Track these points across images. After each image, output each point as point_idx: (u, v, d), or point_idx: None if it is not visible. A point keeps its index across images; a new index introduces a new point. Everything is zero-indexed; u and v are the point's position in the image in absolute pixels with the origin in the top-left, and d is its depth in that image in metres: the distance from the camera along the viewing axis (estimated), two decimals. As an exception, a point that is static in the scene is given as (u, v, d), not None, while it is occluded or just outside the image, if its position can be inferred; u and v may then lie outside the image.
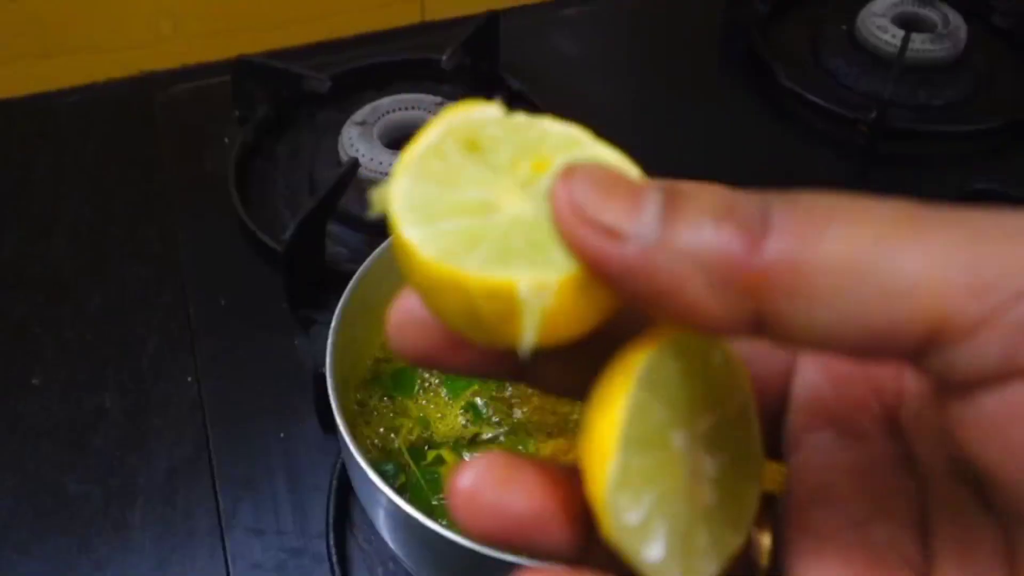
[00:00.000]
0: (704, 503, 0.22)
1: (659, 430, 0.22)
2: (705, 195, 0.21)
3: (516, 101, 0.92)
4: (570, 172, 0.21)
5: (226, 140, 0.89)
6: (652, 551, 0.21)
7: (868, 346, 0.20)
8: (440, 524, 0.51)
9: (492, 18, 0.92)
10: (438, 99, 0.86)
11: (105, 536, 0.64)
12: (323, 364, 0.53)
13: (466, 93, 0.92)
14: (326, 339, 0.53)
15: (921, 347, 0.19)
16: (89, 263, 0.81)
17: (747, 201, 0.21)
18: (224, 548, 0.63)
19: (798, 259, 0.20)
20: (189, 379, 0.72)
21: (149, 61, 0.98)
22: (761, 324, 0.20)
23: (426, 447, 0.56)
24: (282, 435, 0.68)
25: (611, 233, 0.21)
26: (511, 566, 0.46)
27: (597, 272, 0.21)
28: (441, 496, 0.54)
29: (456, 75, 0.91)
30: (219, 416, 0.70)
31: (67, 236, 0.83)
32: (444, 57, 0.89)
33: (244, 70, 0.89)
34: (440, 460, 0.55)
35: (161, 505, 0.65)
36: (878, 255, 0.19)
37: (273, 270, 0.77)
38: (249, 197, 0.84)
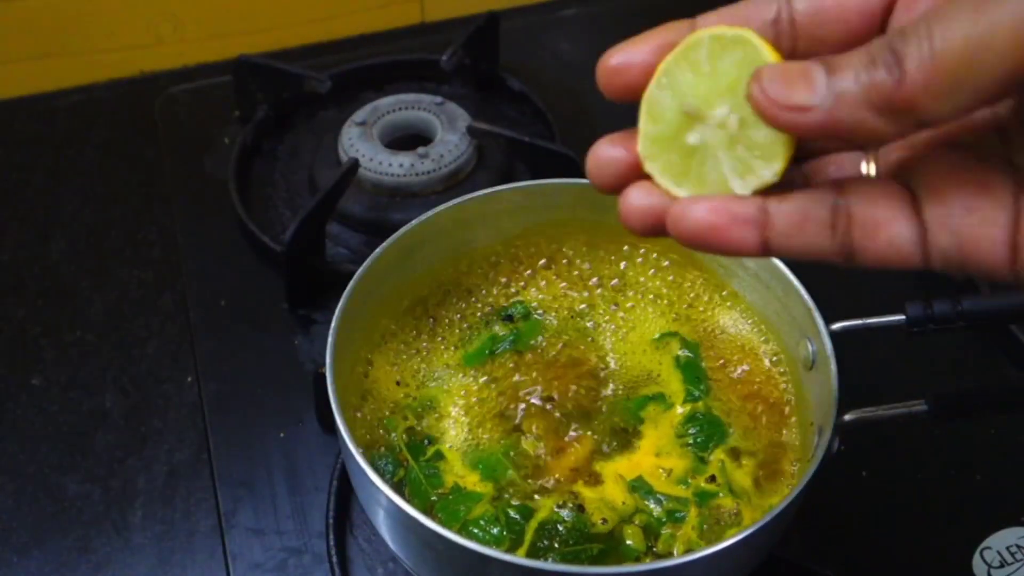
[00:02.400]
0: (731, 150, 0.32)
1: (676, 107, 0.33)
2: (849, 57, 0.29)
3: (516, 101, 0.92)
4: (758, 76, 0.30)
5: (226, 140, 0.89)
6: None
7: (1002, 91, 0.27)
8: (439, 521, 0.51)
9: (492, 18, 0.92)
10: (438, 99, 0.86)
11: (105, 536, 0.64)
12: (323, 364, 0.52)
13: (466, 93, 0.92)
14: (326, 339, 0.53)
15: None
16: (89, 264, 0.81)
17: (878, 47, 0.28)
18: (224, 548, 0.63)
19: (930, 66, 0.27)
20: (189, 380, 0.72)
21: (149, 62, 0.98)
22: (923, 124, 0.28)
23: (425, 442, 0.56)
24: (282, 435, 0.68)
25: (802, 108, 0.29)
26: (511, 566, 0.46)
27: (799, 135, 0.30)
28: (440, 491, 0.54)
29: (456, 75, 0.91)
30: (219, 416, 0.70)
31: (67, 237, 0.83)
32: (444, 57, 0.89)
33: (244, 70, 0.89)
34: (439, 455, 0.55)
35: (161, 505, 0.65)
36: (977, 25, 0.26)
37: (273, 270, 0.77)
38: (249, 197, 0.84)
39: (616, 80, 0.35)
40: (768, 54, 0.31)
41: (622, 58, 0.34)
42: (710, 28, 0.33)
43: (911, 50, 0.27)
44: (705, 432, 0.56)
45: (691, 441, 0.56)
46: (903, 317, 0.55)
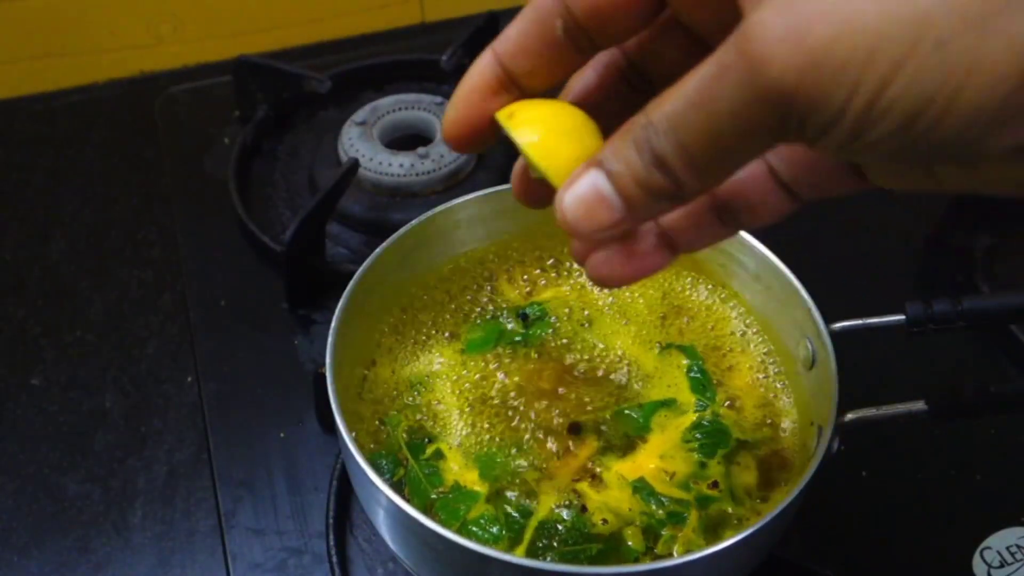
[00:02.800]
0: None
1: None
2: (621, 161, 0.30)
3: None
4: (561, 213, 0.32)
5: (226, 140, 0.89)
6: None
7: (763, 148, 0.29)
8: (439, 520, 0.51)
9: (492, 18, 0.92)
10: (438, 99, 0.86)
11: (105, 536, 0.64)
12: (323, 364, 0.52)
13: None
14: (326, 339, 0.53)
15: None
16: (89, 264, 0.81)
17: (640, 142, 0.29)
18: (224, 548, 0.63)
19: (690, 164, 0.29)
20: (189, 380, 0.72)
21: (149, 61, 0.98)
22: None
23: (425, 440, 0.56)
24: (282, 435, 0.68)
25: (612, 226, 0.31)
26: (511, 566, 0.46)
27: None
28: (440, 489, 0.54)
29: (456, 75, 0.91)
30: (219, 416, 0.70)
31: (67, 237, 0.83)
32: (444, 57, 0.89)
33: (244, 70, 0.89)
34: (439, 454, 0.55)
35: (161, 505, 0.65)
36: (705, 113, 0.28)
37: (273, 270, 0.77)
38: (249, 197, 0.84)
39: (466, 144, 0.36)
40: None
41: (456, 129, 0.36)
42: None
43: (667, 150, 0.29)
44: (712, 439, 0.56)
45: (697, 447, 0.55)
46: (903, 317, 0.55)
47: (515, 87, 0.34)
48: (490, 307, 0.63)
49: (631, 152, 0.30)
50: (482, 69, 0.34)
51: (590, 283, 0.64)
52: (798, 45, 0.25)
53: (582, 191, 0.31)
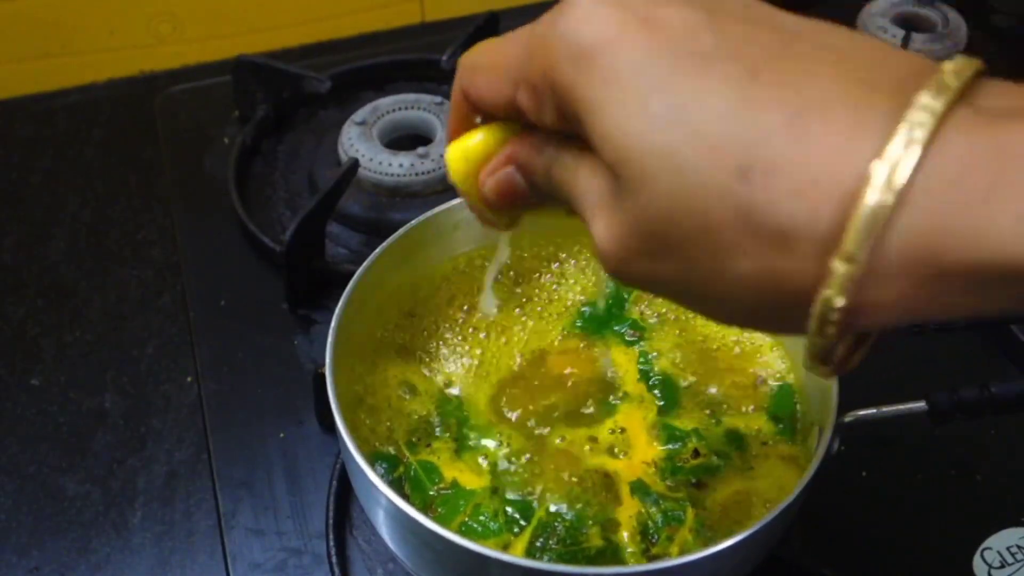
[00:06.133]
0: None
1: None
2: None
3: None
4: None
5: (226, 140, 0.89)
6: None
7: None
8: (439, 517, 0.51)
9: (492, 18, 0.92)
10: (438, 99, 0.86)
11: (105, 536, 0.64)
12: (323, 364, 0.52)
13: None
14: (326, 339, 0.53)
15: None
16: (88, 264, 0.81)
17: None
18: (224, 548, 0.63)
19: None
20: (189, 380, 0.72)
21: (149, 61, 0.98)
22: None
23: (425, 440, 0.56)
24: (282, 435, 0.68)
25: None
26: (511, 566, 0.46)
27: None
28: (440, 486, 0.54)
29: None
30: (219, 417, 0.70)
31: (66, 237, 0.83)
32: (444, 57, 0.89)
33: (244, 70, 0.89)
34: (439, 452, 0.55)
35: (161, 506, 0.65)
36: None
37: (273, 270, 0.77)
38: (249, 197, 0.84)
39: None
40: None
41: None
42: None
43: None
44: (667, 394, 0.57)
45: (659, 403, 0.57)
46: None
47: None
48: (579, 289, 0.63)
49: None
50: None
51: (590, 282, 0.64)
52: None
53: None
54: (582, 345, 0.61)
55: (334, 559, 0.60)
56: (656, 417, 0.57)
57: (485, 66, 0.36)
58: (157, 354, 0.74)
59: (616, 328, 0.61)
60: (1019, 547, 0.61)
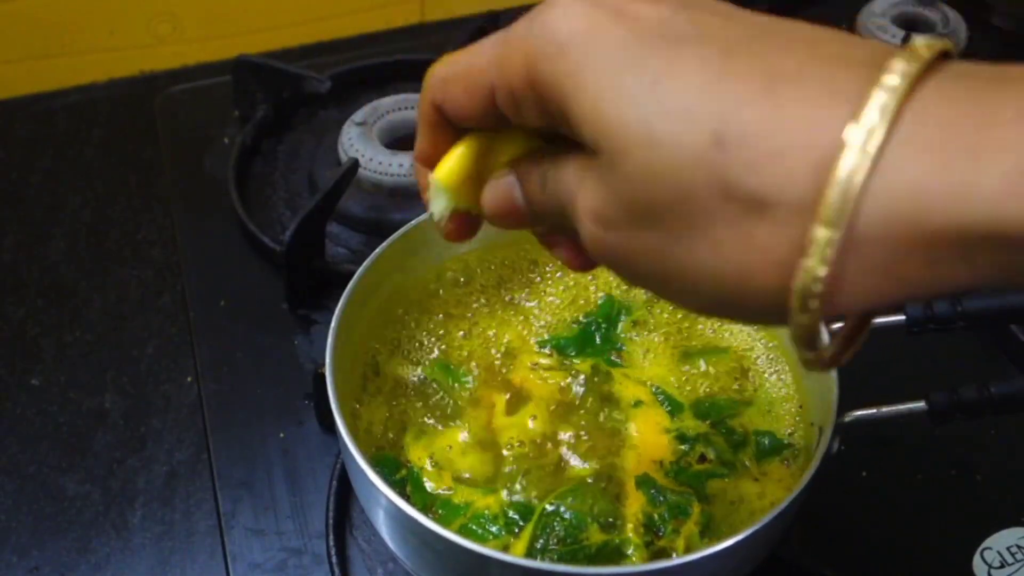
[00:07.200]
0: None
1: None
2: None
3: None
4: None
5: (226, 140, 0.89)
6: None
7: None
8: (440, 517, 0.51)
9: (492, 18, 0.92)
10: (438, 99, 0.86)
11: (105, 536, 0.64)
12: (323, 364, 0.52)
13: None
14: (326, 339, 0.53)
15: None
16: (88, 264, 0.81)
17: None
18: (224, 548, 0.63)
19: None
20: (189, 380, 0.72)
21: (149, 61, 0.98)
22: None
23: (425, 440, 0.56)
24: (282, 435, 0.68)
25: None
26: (511, 566, 0.46)
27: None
28: (441, 487, 0.54)
29: (456, 75, 0.91)
30: (219, 417, 0.70)
31: (66, 237, 0.83)
32: (444, 57, 0.88)
33: (244, 70, 0.89)
34: (439, 452, 0.55)
35: (161, 506, 0.65)
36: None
37: (273, 270, 0.77)
38: (249, 197, 0.84)
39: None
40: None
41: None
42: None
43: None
44: (671, 401, 0.58)
45: (666, 408, 0.57)
46: (903, 317, 0.55)
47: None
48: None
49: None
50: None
51: (590, 283, 0.64)
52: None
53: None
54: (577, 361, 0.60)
55: (334, 559, 0.60)
56: (665, 420, 0.57)
57: (459, 75, 0.36)
58: (157, 354, 0.74)
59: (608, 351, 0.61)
60: (1019, 547, 0.61)
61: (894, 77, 0.27)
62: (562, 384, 0.58)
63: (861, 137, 0.26)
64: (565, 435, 0.56)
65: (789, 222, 0.28)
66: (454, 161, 0.39)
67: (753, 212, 0.28)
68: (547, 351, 0.60)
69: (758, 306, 0.30)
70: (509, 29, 0.34)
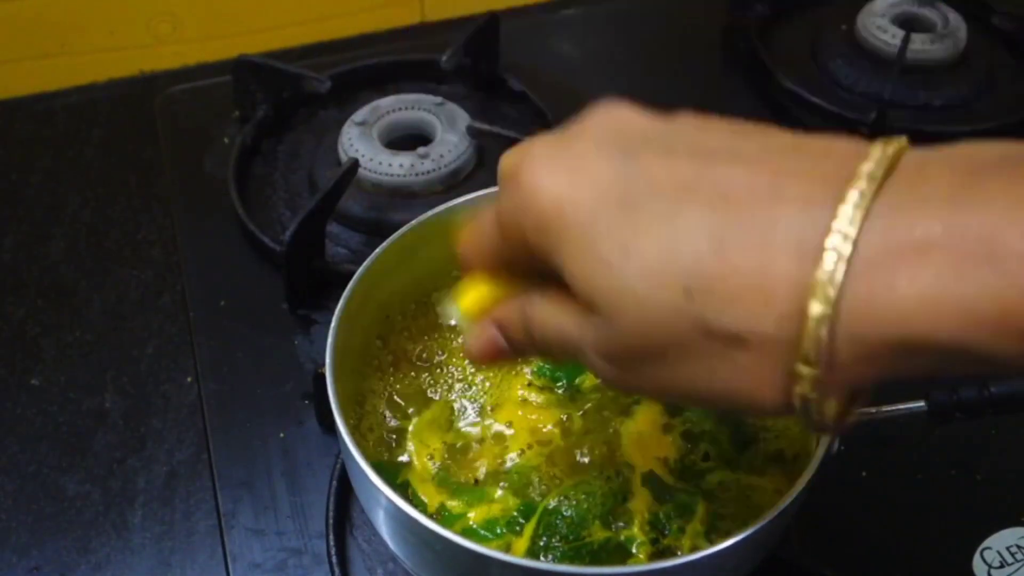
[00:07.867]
0: None
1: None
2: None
3: (516, 101, 0.92)
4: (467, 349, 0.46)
5: (226, 140, 0.89)
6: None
7: None
8: (441, 521, 0.51)
9: (492, 19, 0.92)
10: (438, 99, 0.86)
11: (105, 536, 0.64)
12: (323, 364, 0.52)
13: (466, 93, 0.92)
14: (326, 339, 0.53)
15: None
16: (88, 264, 0.81)
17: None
18: (224, 548, 0.63)
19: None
20: (189, 380, 0.72)
21: (149, 61, 0.98)
22: None
23: (425, 439, 0.56)
24: (282, 435, 0.68)
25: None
26: (511, 566, 0.46)
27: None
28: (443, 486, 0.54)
29: (456, 75, 0.91)
30: (219, 417, 0.70)
31: (66, 237, 0.83)
32: (444, 57, 0.89)
33: (244, 70, 0.89)
34: (439, 452, 0.55)
35: (161, 506, 0.65)
36: None
37: (273, 270, 0.77)
38: (249, 197, 0.84)
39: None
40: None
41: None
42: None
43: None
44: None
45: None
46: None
47: None
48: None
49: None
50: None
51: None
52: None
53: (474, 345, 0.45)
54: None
55: (334, 559, 0.60)
56: (667, 416, 0.57)
57: (475, 246, 0.43)
58: (157, 354, 0.74)
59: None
60: (1019, 547, 0.61)
61: (844, 222, 0.31)
62: (564, 383, 0.58)
63: (825, 276, 0.31)
64: (567, 431, 0.56)
65: (769, 351, 0.33)
66: (472, 297, 0.45)
67: (734, 345, 0.34)
68: None
69: (770, 410, 0.35)
70: (498, 198, 0.40)
